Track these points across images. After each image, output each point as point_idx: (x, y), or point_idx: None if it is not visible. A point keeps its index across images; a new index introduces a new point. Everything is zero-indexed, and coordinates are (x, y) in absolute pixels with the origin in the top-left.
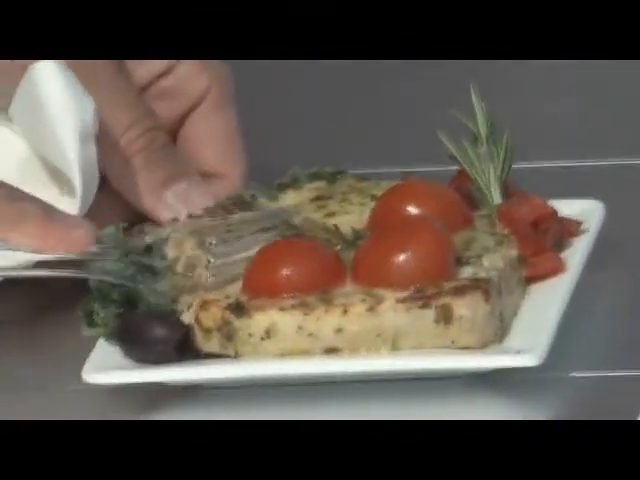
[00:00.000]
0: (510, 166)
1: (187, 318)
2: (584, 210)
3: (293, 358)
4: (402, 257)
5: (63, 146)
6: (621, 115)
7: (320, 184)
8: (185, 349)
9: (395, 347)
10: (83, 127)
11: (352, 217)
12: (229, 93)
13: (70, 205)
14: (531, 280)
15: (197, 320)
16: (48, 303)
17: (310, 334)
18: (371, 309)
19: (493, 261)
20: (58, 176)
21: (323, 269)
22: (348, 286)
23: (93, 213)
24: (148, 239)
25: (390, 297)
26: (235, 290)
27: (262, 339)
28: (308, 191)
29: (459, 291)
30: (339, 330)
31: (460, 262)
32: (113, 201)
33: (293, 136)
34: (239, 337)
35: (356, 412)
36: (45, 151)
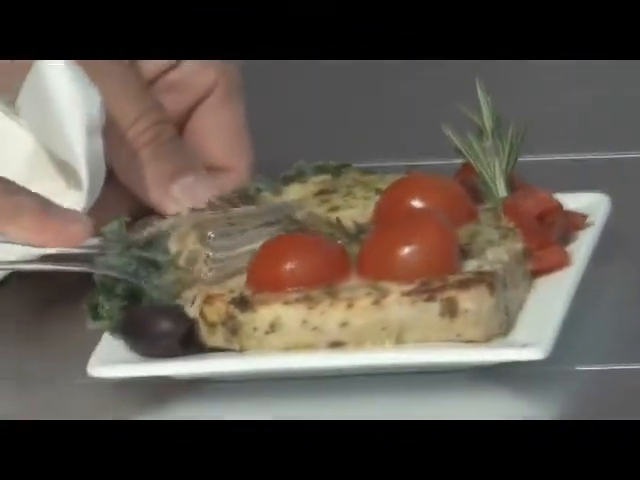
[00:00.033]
0: (515, 159)
1: (191, 312)
2: (590, 203)
3: (298, 352)
4: (407, 250)
5: (70, 139)
6: (626, 108)
7: (325, 177)
8: (190, 343)
9: (400, 340)
10: (90, 120)
11: (356, 211)
12: (236, 87)
13: (76, 198)
14: (537, 274)
15: (201, 314)
16: (54, 297)
17: (315, 328)
18: (376, 302)
19: (498, 254)
20: (65, 169)
21: (328, 263)
22: (353, 280)
23: (99, 206)
24: (148, 232)
25: (395, 290)
26: (239, 284)
27: (267, 333)
28: (312, 185)
29: (464, 284)
30: (344, 324)
31: (465, 255)
32: (120, 194)
33: (300, 130)
34: (244, 331)
35: (361, 406)
36: (52, 144)
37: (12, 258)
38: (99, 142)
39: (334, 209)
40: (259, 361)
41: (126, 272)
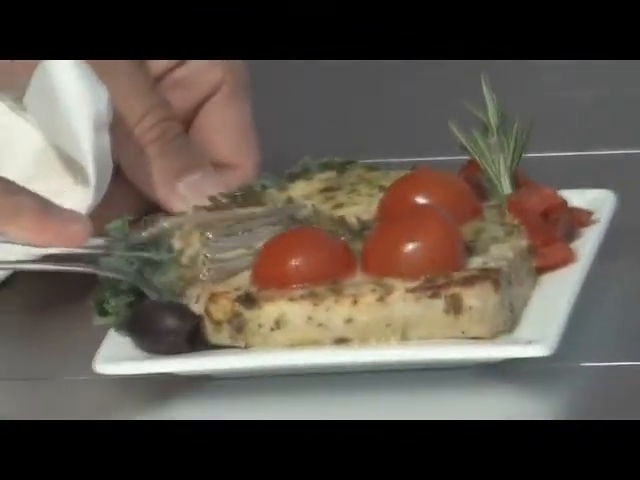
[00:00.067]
0: (520, 156)
1: (196, 309)
2: (595, 200)
3: (303, 348)
4: (411, 247)
5: (77, 136)
6: (632, 105)
7: (330, 174)
8: (196, 340)
9: (405, 337)
10: (97, 117)
11: (360, 208)
12: (243, 85)
13: (84, 194)
14: (541, 270)
15: (207, 312)
16: (58, 294)
17: (320, 324)
18: (381, 299)
19: (503, 251)
20: (72, 165)
21: (332, 259)
22: (358, 276)
23: (106, 203)
24: (151, 232)
25: (400, 287)
26: (244, 281)
27: (272, 330)
28: (318, 182)
29: (468, 281)
30: (349, 320)
31: (470, 252)
32: (126, 191)
33: (304, 128)
34: (249, 328)
35: (365, 403)
36: (59, 141)
37: (13, 258)
38: (106, 139)
39: (339, 206)
40: (264, 357)
41: (128, 273)
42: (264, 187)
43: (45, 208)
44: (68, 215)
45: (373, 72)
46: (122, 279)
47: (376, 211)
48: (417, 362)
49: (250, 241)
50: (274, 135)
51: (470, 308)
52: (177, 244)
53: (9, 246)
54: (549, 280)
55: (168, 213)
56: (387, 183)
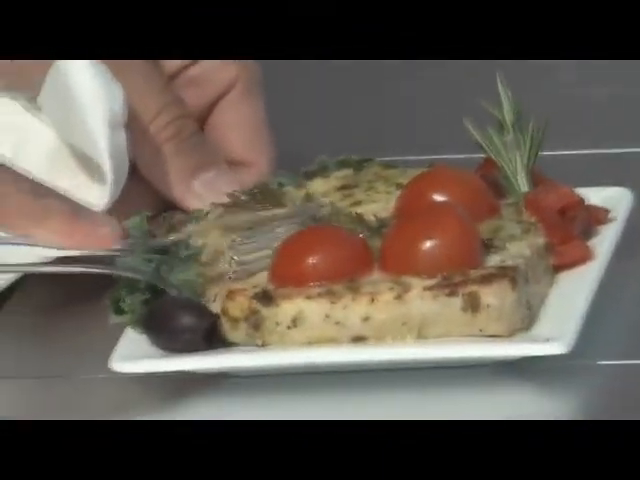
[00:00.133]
0: (536, 154)
1: (214, 308)
2: (611, 198)
3: (320, 347)
4: (429, 245)
5: (93, 134)
6: None
7: (347, 172)
8: (212, 338)
9: (422, 335)
10: (112, 115)
11: (378, 205)
12: (256, 82)
13: (100, 193)
14: (559, 268)
15: (224, 310)
16: (72, 294)
17: (337, 322)
18: (398, 297)
19: (520, 249)
20: (88, 164)
21: (350, 257)
22: (375, 274)
23: (122, 201)
24: (175, 237)
25: (417, 285)
26: (262, 279)
27: (289, 328)
28: (335, 180)
29: (486, 279)
30: (366, 318)
31: (487, 250)
32: (142, 190)
33: (319, 126)
34: (266, 326)
35: (382, 402)
36: (74, 139)
37: (29, 260)
38: (122, 137)
39: (356, 204)
40: (281, 356)
41: (145, 272)
42: (280, 184)
43: (74, 211)
44: (97, 218)
45: (387, 70)
46: (139, 278)
47: (393, 209)
48: (434, 360)
49: (273, 242)
50: (287, 133)
51: (488, 306)
52: (197, 242)
53: (28, 249)
54: (566, 278)
55: (184, 211)
56: (404, 180)
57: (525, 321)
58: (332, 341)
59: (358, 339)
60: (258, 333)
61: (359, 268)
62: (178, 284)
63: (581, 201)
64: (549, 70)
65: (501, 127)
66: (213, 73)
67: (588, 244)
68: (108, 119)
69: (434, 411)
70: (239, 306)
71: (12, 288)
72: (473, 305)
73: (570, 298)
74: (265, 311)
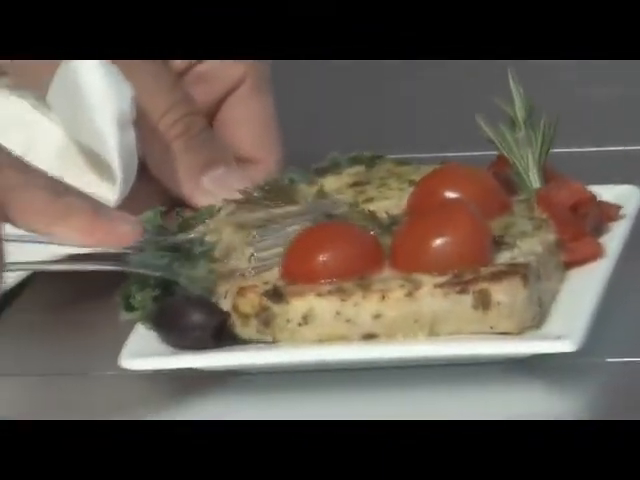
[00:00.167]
0: (548, 150)
1: (225, 305)
2: (622, 195)
3: (330, 344)
4: (439, 242)
5: (102, 132)
6: None
7: (359, 169)
8: (222, 335)
9: (433, 333)
10: (121, 113)
11: (391, 202)
12: (265, 79)
13: (109, 191)
14: (570, 265)
15: (235, 306)
16: (85, 289)
17: (348, 320)
18: (409, 294)
19: (531, 246)
20: (97, 162)
21: (361, 254)
22: (386, 271)
23: (132, 199)
24: (190, 234)
25: (428, 282)
26: (273, 276)
27: (300, 325)
28: (347, 176)
29: (497, 276)
30: (377, 316)
31: (498, 247)
32: (152, 187)
33: (330, 123)
34: (277, 323)
35: (392, 399)
36: (83, 138)
37: (40, 258)
38: (131, 135)
39: (369, 200)
40: (292, 353)
41: (158, 267)
42: (292, 181)
43: (95, 209)
44: (118, 216)
45: (397, 68)
46: (152, 275)
47: (406, 205)
48: (445, 357)
49: (286, 239)
50: (296, 130)
51: (498, 303)
52: (210, 237)
53: (41, 247)
54: (577, 275)
55: (193, 208)
56: (417, 177)
57: (536, 318)
58: (343, 338)
59: (369, 336)
60: (269, 330)
61: (370, 265)
62: (190, 280)
63: (593, 198)
64: (561, 68)
65: (513, 124)
66: (221, 70)
67: (599, 241)
68: (117, 117)
69: (445, 408)
70: (250, 303)
71: (22, 285)
72: (484, 302)
73: (580, 295)
74: (276, 308)
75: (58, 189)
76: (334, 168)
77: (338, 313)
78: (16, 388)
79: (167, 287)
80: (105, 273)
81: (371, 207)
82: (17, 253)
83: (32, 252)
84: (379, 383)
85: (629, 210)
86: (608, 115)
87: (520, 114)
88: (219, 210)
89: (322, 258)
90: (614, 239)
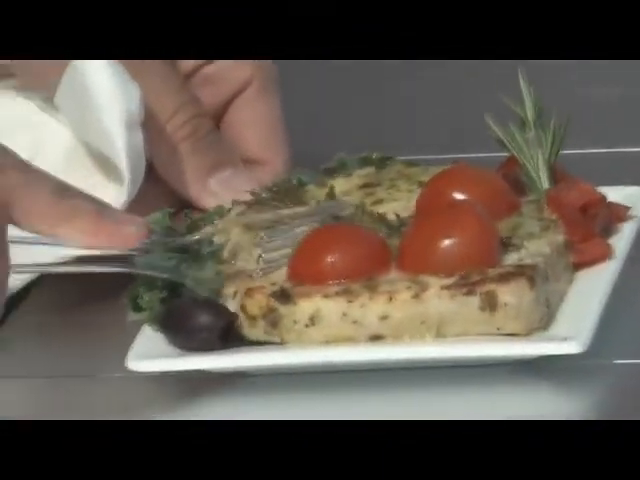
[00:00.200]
0: (558, 151)
1: (232, 306)
2: (632, 196)
3: (337, 345)
4: (447, 243)
5: (110, 134)
6: None
7: (369, 170)
8: (229, 337)
9: (440, 334)
10: (129, 115)
11: (400, 204)
12: (272, 81)
13: (117, 192)
14: (579, 266)
15: (242, 307)
16: (91, 291)
17: (355, 321)
18: (416, 296)
19: (539, 247)
20: (105, 164)
21: (368, 256)
22: (393, 273)
23: (139, 200)
24: (198, 235)
25: (435, 284)
26: (280, 277)
27: (307, 326)
28: (357, 178)
29: (504, 278)
30: (384, 317)
31: (506, 248)
32: (159, 189)
33: (337, 122)
34: (284, 324)
35: (400, 400)
36: (91, 139)
37: (47, 260)
38: (139, 136)
39: (378, 202)
40: (298, 354)
41: (165, 268)
42: (301, 182)
43: (100, 210)
44: (123, 217)
45: (405, 67)
46: (159, 276)
47: (414, 206)
48: (452, 359)
49: (293, 241)
50: (302, 131)
51: (505, 305)
52: (218, 238)
53: (47, 248)
54: (585, 275)
55: (201, 210)
56: (426, 179)
57: (543, 319)
58: (349, 340)
59: (375, 338)
60: (276, 331)
61: (377, 267)
62: (197, 282)
63: (602, 198)
64: (572, 68)
65: (523, 124)
66: (228, 71)
67: (608, 242)
68: (125, 119)
69: (451, 410)
70: (257, 304)
71: (29, 287)
72: (491, 304)
73: (588, 296)
74: (283, 309)
75: (62, 191)
76: (342, 169)
77: (345, 314)
78: (23, 390)
79: (175, 288)
80: (112, 275)
81: (380, 209)
82: (23, 255)
83: (38, 254)
84: (386, 384)
85: (638, 211)
86: (618, 116)
87: (530, 114)
88: (229, 211)
89: (329, 259)
90: (623, 240)
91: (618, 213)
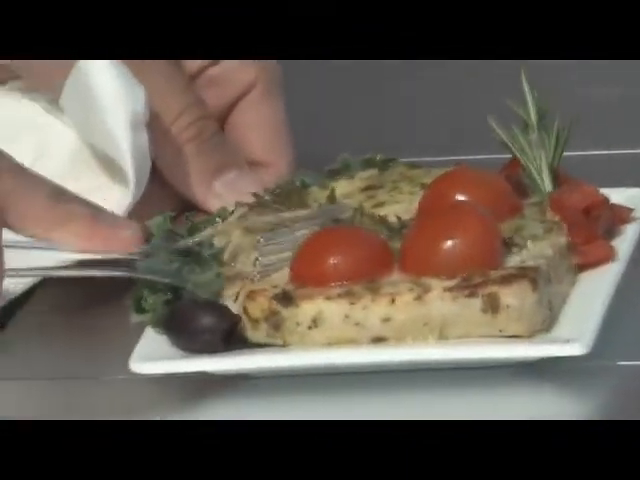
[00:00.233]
0: (561, 153)
1: (234, 309)
2: (634, 198)
3: (340, 347)
4: (449, 244)
5: (115, 135)
6: None
7: (372, 172)
8: (232, 339)
9: (442, 336)
10: (134, 116)
11: (402, 206)
12: (277, 83)
13: (123, 194)
14: (582, 268)
15: (244, 310)
16: (94, 293)
17: (357, 323)
18: (418, 298)
19: (542, 249)
20: (110, 165)
21: (370, 258)
22: (395, 275)
23: (144, 202)
24: (198, 238)
25: (437, 286)
26: (282, 279)
27: (309, 328)
28: (359, 180)
29: (506, 280)
30: (386, 319)
31: (508, 250)
32: (164, 191)
33: (340, 123)
34: (286, 326)
35: (402, 402)
36: (96, 141)
37: (49, 263)
38: (144, 138)
39: (380, 204)
40: (301, 356)
41: (166, 273)
42: (304, 184)
43: (95, 214)
44: (118, 222)
45: (408, 68)
46: (159, 281)
47: (416, 208)
48: (455, 361)
49: (294, 244)
50: (306, 132)
51: (507, 307)
52: (218, 240)
53: (50, 253)
54: (588, 277)
55: (205, 212)
56: (429, 181)
57: (546, 322)
58: (352, 342)
59: (378, 340)
60: (278, 333)
61: (379, 269)
62: (198, 286)
63: (605, 200)
64: (574, 69)
65: (526, 126)
66: (233, 73)
67: (611, 244)
68: (130, 120)
69: (454, 412)
70: (259, 306)
71: (32, 289)
72: (493, 306)
73: (591, 298)
74: (285, 312)
75: (58, 195)
76: (346, 170)
77: (347, 316)
78: (26, 392)
79: (178, 291)
80: (114, 278)
81: (382, 211)
82: (23, 259)
83: (38, 258)
84: (389, 386)
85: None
86: (620, 118)
87: (533, 116)
88: (231, 213)
89: (331, 261)
90: (626, 242)
91: (621, 215)
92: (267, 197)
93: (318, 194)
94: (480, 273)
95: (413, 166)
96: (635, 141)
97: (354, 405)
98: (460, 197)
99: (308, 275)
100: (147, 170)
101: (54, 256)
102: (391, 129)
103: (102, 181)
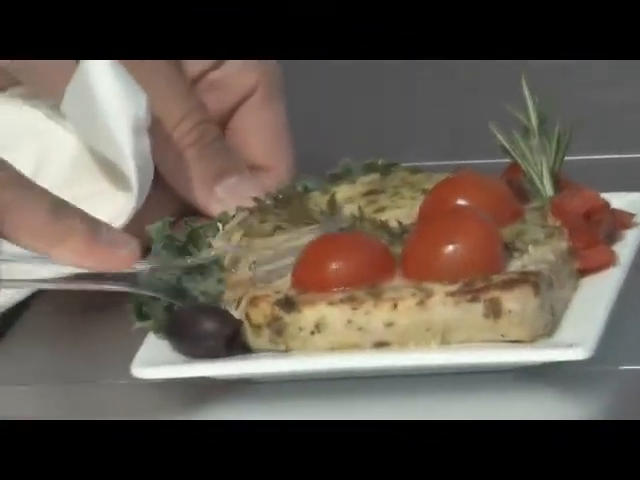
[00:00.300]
0: (562, 158)
1: (235, 314)
2: (636, 203)
3: (343, 352)
4: (450, 249)
5: (117, 140)
6: None
7: (373, 177)
8: (234, 344)
9: (445, 341)
10: (136, 121)
11: (403, 211)
12: (278, 88)
13: (126, 199)
14: (583, 272)
15: (247, 316)
16: (96, 298)
17: (360, 328)
18: (421, 303)
19: (543, 254)
20: (112, 171)
21: (372, 263)
22: (397, 280)
23: (146, 207)
24: (202, 260)
25: (439, 291)
26: (285, 285)
27: (312, 333)
28: (361, 185)
29: (508, 285)
30: (389, 324)
31: (510, 255)
32: (165, 196)
33: (340, 127)
34: (289, 332)
35: (404, 407)
36: (98, 146)
37: (48, 276)
38: (146, 142)
39: (381, 209)
40: (304, 361)
41: (166, 290)
42: (306, 188)
43: (94, 231)
44: (117, 239)
45: (411, 73)
46: (158, 297)
47: (417, 213)
48: (457, 366)
49: (294, 251)
50: (305, 136)
51: (509, 312)
52: (219, 246)
53: (50, 265)
54: (590, 282)
55: (206, 216)
56: (430, 186)
57: (548, 326)
58: (355, 347)
59: (380, 345)
60: (281, 339)
61: (381, 274)
62: (199, 294)
63: (606, 205)
64: (574, 73)
65: (526, 131)
66: (234, 78)
67: (612, 248)
68: (132, 125)
69: (456, 416)
70: (262, 312)
71: (33, 294)
72: (495, 311)
73: (593, 303)
74: (288, 317)
75: (58, 209)
76: (347, 175)
77: (350, 321)
78: (28, 396)
79: (178, 299)
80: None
81: (383, 216)
82: (22, 271)
83: (37, 270)
84: (391, 391)
85: None
86: (621, 122)
87: (534, 122)
88: (233, 217)
89: (333, 267)
90: (627, 246)
91: (622, 220)
92: (268, 202)
93: (319, 199)
94: (482, 278)
95: (415, 171)
96: (636, 146)
97: (356, 409)
98: (461, 202)
99: (310, 281)
100: (150, 175)
101: (51, 268)
102: (392, 133)
103: (104, 186)
